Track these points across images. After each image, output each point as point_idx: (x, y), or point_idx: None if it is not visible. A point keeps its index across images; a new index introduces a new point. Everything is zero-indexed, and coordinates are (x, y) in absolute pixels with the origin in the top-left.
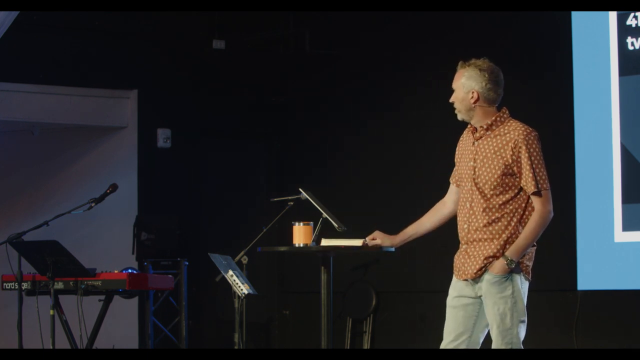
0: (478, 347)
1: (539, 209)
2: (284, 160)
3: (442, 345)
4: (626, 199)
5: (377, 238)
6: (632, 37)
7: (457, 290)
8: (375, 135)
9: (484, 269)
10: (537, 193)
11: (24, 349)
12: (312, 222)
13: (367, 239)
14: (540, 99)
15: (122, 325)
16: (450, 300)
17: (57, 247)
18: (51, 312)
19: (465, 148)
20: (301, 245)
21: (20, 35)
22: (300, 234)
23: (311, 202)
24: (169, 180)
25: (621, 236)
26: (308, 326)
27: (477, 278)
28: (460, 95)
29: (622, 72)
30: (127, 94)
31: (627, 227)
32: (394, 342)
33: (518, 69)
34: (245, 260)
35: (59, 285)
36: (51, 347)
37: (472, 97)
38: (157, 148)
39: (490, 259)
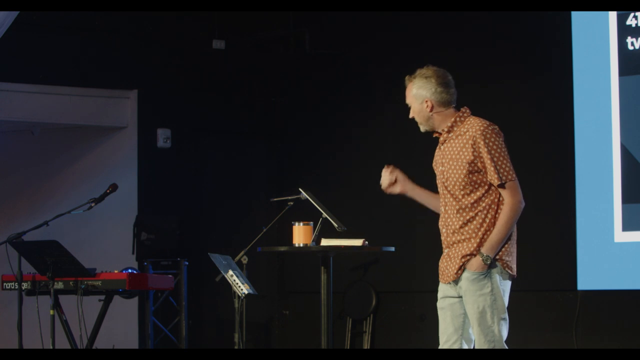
0: (472, 344)
1: (508, 201)
2: (284, 160)
3: (439, 347)
4: (626, 199)
5: (399, 181)
6: (632, 37)
7: (442, 292)
8: (375, 135)
9: (462, 267)
10: (502, 185)
11: (24, 349)
12: (312, 222)
13: (390, 170)
14: (540, 99)
15: (122, 325)
16: (438, 303)
17: (57, 247)
18: (51, 312)
19: (437, 156)
20: (301, 245)
21: (20, 35)
22: (300, 234)
23: (311, 202)
24: (169, 180)
25: (621, 236)
26: (308, 326)
27: (457, 279)
28: (416, 107)
29: (622, 72)
30: (127, 94)
31: (627, 227)
32: (394, 342)
33: (518, 69)
34: (245, 260)
35: (59, 285)
36: (51, 347)
37: (427, 105)
38: (157, 148)
39: (468, 257)
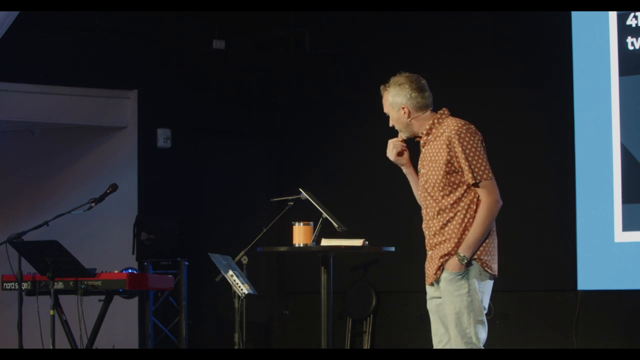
0: None
1: (484, 200)
2: (284, 160)
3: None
4: (626, 199)
5: (404, 155)
6: (632, 37)
7: (429, 294)
8: (375, 135)
9: (441, 268)
10: (477, 184)
11: (24, 349)
12: (312, 222)
13: (397, 142)
14: (541, 98)
15: (122, 325)
16: (427, 305)
17: (57, 247)
18: (51, 312)
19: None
20: (301, 245)
21: (20, 35)
22: (300, 234)
23: (311, 202)
24: (169, 180)
25: (621, 236)
26: (308, 326)
27: (437, 279)
28: (394, 115)
29: (622, 72)
30: (127, 94)
31: (627, 227)
32: (394, 342)
33: (518, 69)
34: (245, 260)
35: (59, 285)
36: (51, 347)
37: (405, 112)
38: (157, 148)
39: (446, 257)
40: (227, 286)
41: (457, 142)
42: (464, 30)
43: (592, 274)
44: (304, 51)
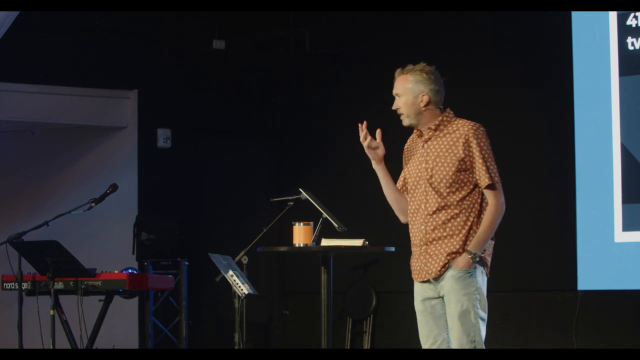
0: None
1: (494, 202)
2: (284, 160)
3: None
4: (626, 199)
5: (380, 145)
6: (632, 37)
7: (421, 294)
8: (375, 135)
9: (447, 265)
10: (491, 186)
11: (24, 349)
12: (312, 222)
13: (366, 133)
14: (541, 98)
15: (122, 325)
16: (417, 305)
17: (57, 247)
18: (51, 312)
19: (413, 153)
20: (301, 245)
21: (20, 35)
22: (300, 234)
23: (311, 202)
24: (169, 180)
25: (621, 236)
26: (308, 326)
27: (439, 276)
28: (409, 100)
29: (622, 72)
30: (127, 94)
31: (627, 227)
32: (394, 342)
33: (518, 69)
34: (245, 260)
35: (59, 285)
36: (51, 347)
37: (422, 100)
38: (157, 148)
39: (453, 255)
40: (227, 286)
41: (474, 142)
42: (464, 30)
43: (592, 274)
44: (304, 51)
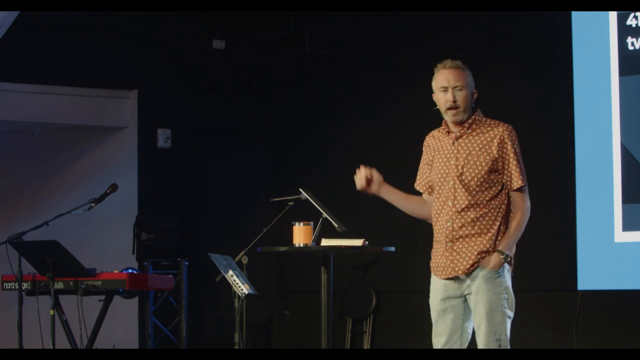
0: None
1: (523, 205)
2: (284, 160)
3: (436, 347)
4: (626, 199)
5: (374, 181)
6: (632, 37)
7: (442, 292)
8: (375, 135)
9: (476, 264)
10: (522, 188)
11: (24, 349)
12: (312, 222)
13: (365, 170)
14: (541, 98)
15: (122, 325)
16: (436, 304)
17: (57, 247)
18: (51, 312)
19: (440, 149)
20: (301, 245)
21: (20, 35)
22: (300, 234)
23: (311, 202)
24: (169, 180)
25: (621, 236)
26: (308, 326)
27: (468, 274)
28: (468, 94)
29: (622, 72)
30: (127, 94)
31: (627, 227)
32: (394, 342)
33: (518, 69)
34: (245, 260)
35: (59, 285)
36: (51, 347)
37: (473, 98)
38: (157, 148)
39: (483, 254)
40: (227, 286)
41: (510, 144)
42: (464, 30)
43: (592, 274)
44: (304, 51)
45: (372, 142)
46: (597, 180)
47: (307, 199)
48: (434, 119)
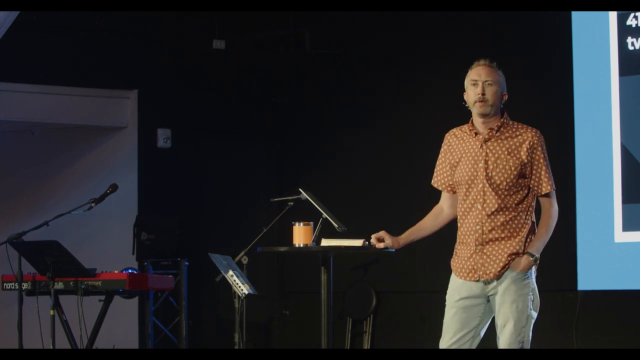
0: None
1: (550, 209)
2: (284, 160)
3: (443, 342)
4: (626, 199)
5: (386, 239)
6: (632, 37)
7: (463, 293)
8: (375, 135)
9: (507, 266)
10: (551, 193)
11: (24, 349)
12: (312, 222)
13: (372, 238)
14: (541, 98)
15: (122, 325)
16: (454, 302)
17: (57, 247)
18: (51, 312)
19: (466, 151)
20: (301, 245)
21: (20, 35)
22: (300, 234)
23: (311, 202)
24: (169, 180)
25: (621, 236)
26: (308, 326)
27: (499, 276)
28: (498, 92)
29: (622, 72)
30: (127, 94)
31: (627, 227)
32: (394, 342)
33: (518, 69)
34: (245, 260)
35: (59, 285)
36: (51, 347)
37: (504, 98)
38: (157, 148)
39: (514, 256)
40: (227, 286)
41: (539, 149)
42: (464, 30)
43: (592, 274)
44: (304, 51)
45: (372, 142)
46: (597, 180)
47: (307, 199)
48: (434, 119)
